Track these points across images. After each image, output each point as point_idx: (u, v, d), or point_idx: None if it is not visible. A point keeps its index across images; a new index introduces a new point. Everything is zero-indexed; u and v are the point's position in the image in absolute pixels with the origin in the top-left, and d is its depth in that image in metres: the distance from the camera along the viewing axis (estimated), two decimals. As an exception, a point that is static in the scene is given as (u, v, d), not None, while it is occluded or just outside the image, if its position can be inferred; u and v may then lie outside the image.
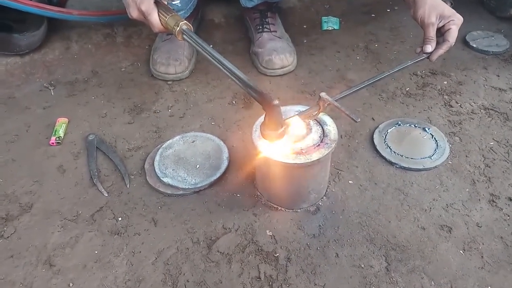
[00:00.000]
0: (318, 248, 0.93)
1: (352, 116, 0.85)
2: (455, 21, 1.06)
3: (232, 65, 0.83)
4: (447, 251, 0.92)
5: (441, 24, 1.07)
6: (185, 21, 0.96)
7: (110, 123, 1.26)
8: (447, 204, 1.01)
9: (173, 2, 0.97)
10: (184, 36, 0.95)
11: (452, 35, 1.06)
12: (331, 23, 1.63)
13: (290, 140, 0.91)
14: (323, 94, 0.90)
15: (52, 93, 1.37)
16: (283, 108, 0.96)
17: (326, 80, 1.39)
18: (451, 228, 0.96)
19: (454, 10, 1.07)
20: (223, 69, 0.85)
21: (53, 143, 1.18)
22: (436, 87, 1.35)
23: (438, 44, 1.08)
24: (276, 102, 0.76)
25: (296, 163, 0.87)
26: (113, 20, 1.58)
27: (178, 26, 0.95)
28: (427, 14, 1.06)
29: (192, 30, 0.96)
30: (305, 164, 0.88)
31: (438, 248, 0.93)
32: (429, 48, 1.07)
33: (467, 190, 1.04)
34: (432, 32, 1.07)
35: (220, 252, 0.93)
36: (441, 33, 1.08)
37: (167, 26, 0.99)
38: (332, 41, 1.56)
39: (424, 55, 1.08)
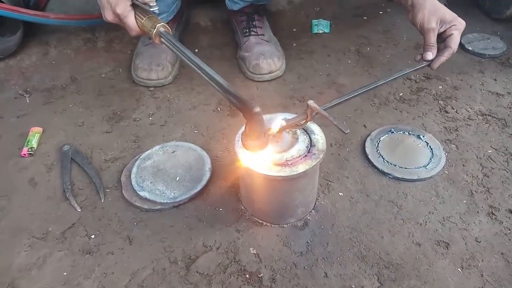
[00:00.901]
0: (306, 267, 0.86)
1: (341, 127, 0.78)
2: (457, 26, 0.98)
3: (211, 70, 0.77)
4: (444, 269, 0.85)
5: (442, 30, 0.99)
6: (163, 23, 0.90)
7: (87, 132, 1.19)
8: (443, 218, 0.95)
9: (151, 9, 0.91)
10: (162, 39, 0.89)
11: (454, 41, 0.98)
12: (321, 26, 1.57)
13: (274, 151, 0.84)
14: (310, 102, 0.83)
15: (28, 101, 1.30)
16: (268, 116, 0.90)
17: (316, 85, 1.33)
18: (448, 244, 0.90)
19: (455, 14, 1.00)
20: (202, 74, 0.79)
21: (25, 154, 1.11)
22: (431, 92, 1.29)
23: (439, 50, 1.00)
24: (257, 109, 0.70)
25: (280, 176, 0.81)
26: (93, 24, 1.51)
27: (155, 29, 0.89)
28: (426, 19, 0.98)
29: (171, 33, 0.90)
30: (290, 177, 0.81)
31: (434, 266, 0.86)
32: (429, 55, 0.99)
33: (465, 202, 0.98)
34: (432, 38, 0.99)
35: (199, 273, 0.86)
36: (442, 38, 1.00)
37: (143, 28, 0.93)
38: (323, 45, 1.50)
39: (425, 62, 1.00)
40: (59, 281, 0.85)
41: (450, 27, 0.99)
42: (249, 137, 0.75)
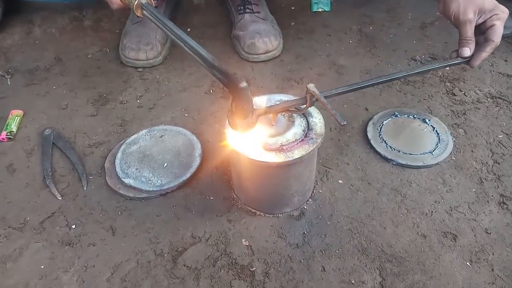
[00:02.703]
0: (302, 260, 0.80)
1: (337, 118, 0.70)
2: (499, 15, 0.85)
3: (195, 43, 0.70)
4: (452, 263, 0.79)
5: (481, 20, 0.86)
6: (145, -6, 0.82)
7: (71, 115, 1.12)
8: (451, 207, 0.88)
9: None
10: (144, 12, 0.82)
11: (497, 33, 0.85)
12: (321, 4, 1.48)
13: (268, 135, 0.77)
14: (310, 86, 0.75)
15: (9, 83, 1.23)
16: (263, 97, 0.83)
17: (315, 66, 1.25)
18: (456, 236, 0.83)
19: (495, 1, 0.86)
20: (186, 48, 0.72)
21: (3, 139, 1.04)
22: (437, 73, 1.21)
23: (478, 45, 0.87)
24: (244, 84, 0.63)
25: (275, 162, 0.74)
26: (79, 0, 1.43)
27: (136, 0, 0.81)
28: (462, 9, 0.85)
29: (154, 5, 0.82)
30: (285, 163, 0.74)
31: (441, 260, 0.80)
32: (467, 51, 0.86)
33: (474, 190, 0.91)
34: (469, 31, 0.86)
35: (187, 266, 0.79)
36: (481, 31, 0.87)
37: (124, 0, 0.85)
38: (323, 24, 1.41)
39: (459, 59, 0.87)
40: (35, 275, 0.79)
41: (490, 16, 0.85)
42: (236, 115, 0.68)
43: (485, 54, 0.86)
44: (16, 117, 1.09)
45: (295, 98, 0.80)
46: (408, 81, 1.18)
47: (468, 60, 0.88)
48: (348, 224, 0.86)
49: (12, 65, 1.28)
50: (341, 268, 0.79)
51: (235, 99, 0.66)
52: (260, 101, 0.81)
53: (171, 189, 0.91)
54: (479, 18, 0.86)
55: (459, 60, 0.88)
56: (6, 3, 1.38)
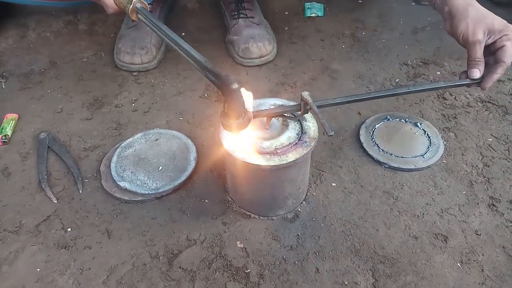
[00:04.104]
0: (296, 262, 0.81)
1: (325, 128, 0.71)
2: (510, 35, 0.82)
3: (188, 46, 0.72)
4: (443, 264, 0.81)
5: (490, 41, 0.83)
6: (140, -1, 0.84)
7: (66, 119, 1.12)
8: (442, 209, 0.90)
9: None
10: (139, 16, 0.83)
11: (508, 54, 0.81)
12: (314, 10, 1.50)
13: (263, 138, 0.78)
14: (305, 94, 0.76)
15: (3, 86, 1.23)
16: (257, 101, 0.84)
17: (308, 70, 1.27)
18: (446, 237, 0.85)
19: (505, 21, 0.84)
20: (179, 50, 0.74)
21: (-2, 143, 1.05)
22: (428, 78, 1.23)
23: (488, 66, 0.84)
24: (236, 85, 0.65)
25: (269, 165, 0.75)
26: (74, 4, 1.43)
27: (131, 4, 0.83)
28: (471, 29, 0.83)
29: (149, 10, 0.84)
30: (280, 166, 0.75)
31: (432, 261, 0.81)
32: (476, 73, 0.84)
33: (464, 192, 0.93)
34: (479, 53, 0.83)
35: (182, 269, 0.80)
36: (490, 51, 0.85)
37: (120, 5, 0.87)
38: (316, 29, 1.43)
39: (469, 80, 0.85)
40: (31, 278, 0.80)
41: (500, 37, 0.82)
42: (228, 116, 0.69)
43: (496, 76, 0.84)
44: (11, 121, 1.09)
45: (290, 104, 0.81)
46: (400, 85, 1.20)
47: (479, 82, 0.86)
48: (341, 226, 0.87)
49: (7, 68, 1.28)
50: (334, 270, 0.80)
51: (227, 100, 0.67)
52: (254, 104, 0.82)
53: (166, 192, 0.92)
54: (488, 39, 0.84)
55: (468, 81, 0.86)
56: (0, 6, 1.38)
